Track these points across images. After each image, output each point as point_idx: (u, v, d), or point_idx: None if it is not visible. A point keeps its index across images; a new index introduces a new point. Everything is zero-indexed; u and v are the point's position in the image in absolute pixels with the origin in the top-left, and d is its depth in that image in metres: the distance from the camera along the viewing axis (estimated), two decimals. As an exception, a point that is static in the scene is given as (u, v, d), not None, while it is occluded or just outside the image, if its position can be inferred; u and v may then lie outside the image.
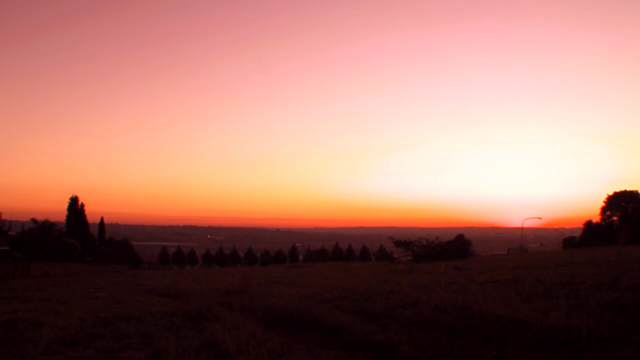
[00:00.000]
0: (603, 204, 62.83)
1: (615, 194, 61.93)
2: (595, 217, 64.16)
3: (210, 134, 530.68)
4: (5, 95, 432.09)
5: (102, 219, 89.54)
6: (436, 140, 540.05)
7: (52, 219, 56.88)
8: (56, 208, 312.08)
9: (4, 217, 48.54)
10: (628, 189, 61.55)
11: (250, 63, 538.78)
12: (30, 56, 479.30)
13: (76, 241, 58.39)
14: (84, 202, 73.07)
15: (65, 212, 69.80)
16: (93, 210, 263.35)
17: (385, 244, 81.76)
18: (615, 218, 61.89)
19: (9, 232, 48.65)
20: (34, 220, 53.80)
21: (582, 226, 65.94)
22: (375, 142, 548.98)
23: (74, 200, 71.14)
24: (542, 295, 9.66)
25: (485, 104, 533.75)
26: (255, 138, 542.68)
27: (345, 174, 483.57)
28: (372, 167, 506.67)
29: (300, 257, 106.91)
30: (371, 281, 15.66)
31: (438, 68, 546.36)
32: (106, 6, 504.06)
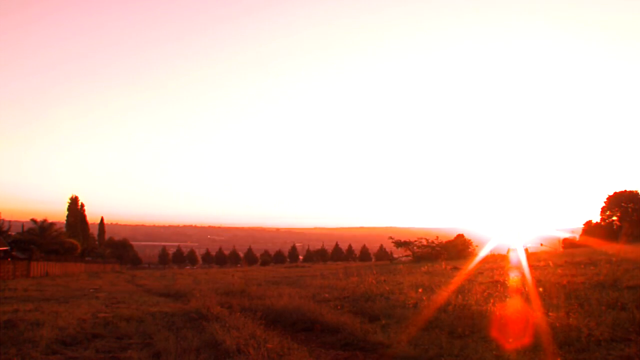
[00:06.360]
0: (603, 204, 62.87)
1: (615, 194, 61.93)
2: (595, 217, 64.17)
3: (208, 133, 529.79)
4: (5, 95, 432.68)
5: (102, 219, 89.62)
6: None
7: (52, 219, 56.66)
8: (56, 208, 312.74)
9: (3, 217, 48.48)
10: (628, 189, 61.61)
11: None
12: (30, 56, 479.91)
13: (76, 241, 58.30)
14: (84, 202, 73.20)
15: (65, 212, 69.82)
16: (93, 210, 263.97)
17: (385, 244, 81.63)
18: (615, 218, 61.90)
19: (9, 232, 48.55)
20: (33, 221, 53.63)
21: (583, 226, 65.95)
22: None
23: (74, 200, 71.09)
24: (542, 295, 9.66)
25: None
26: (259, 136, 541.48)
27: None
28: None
29: (300, 257, 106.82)
30: (371, 281, 15.66)
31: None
32: (101, 8, 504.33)
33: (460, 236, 51.92)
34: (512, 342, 6.42)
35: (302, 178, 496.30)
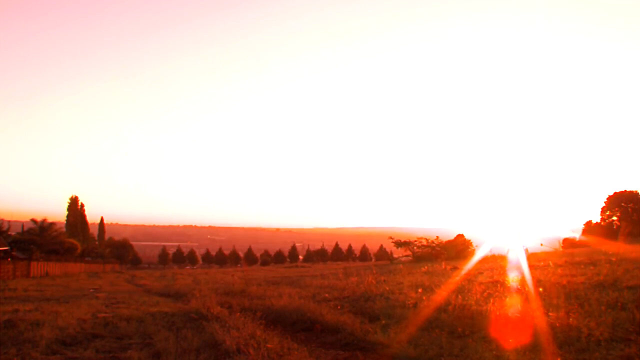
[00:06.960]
0: (603, 204, 62.86)
1: (615, 194, 61.91)
2: (595, 217, 64.14)
3: (207, 133, 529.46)
4: (6, 95, 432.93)
5: (102, 219, 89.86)
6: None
7: (52, 219, 56.58)
8: (56, 208, 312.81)
9: (3, 217, 48.53)
10: (628, 189, 61.59)
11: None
12: (30, 57, 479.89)
13: (76, 241, 58.29)
14: (84, 202, 73.33)
15: (65, 212, 69.92)
16: (93, 210, 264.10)
17: (385, 244, 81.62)
18: (615, 218, 61.88)
19: (9, 232, 48.54)
20: (33, 221, 53.61)
21: (583, 226, 65.93)
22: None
23: (74, 200, 71.17)
24: (542, 295, 9.66)
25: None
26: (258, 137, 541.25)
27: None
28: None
29: (300, 257, 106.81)
30: (371, 281, 15.66)
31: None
32: (100, 7, 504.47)
33: (460, 236, 51.87)
34: (512, 342, 6.43)
35: (302, 178, 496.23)
